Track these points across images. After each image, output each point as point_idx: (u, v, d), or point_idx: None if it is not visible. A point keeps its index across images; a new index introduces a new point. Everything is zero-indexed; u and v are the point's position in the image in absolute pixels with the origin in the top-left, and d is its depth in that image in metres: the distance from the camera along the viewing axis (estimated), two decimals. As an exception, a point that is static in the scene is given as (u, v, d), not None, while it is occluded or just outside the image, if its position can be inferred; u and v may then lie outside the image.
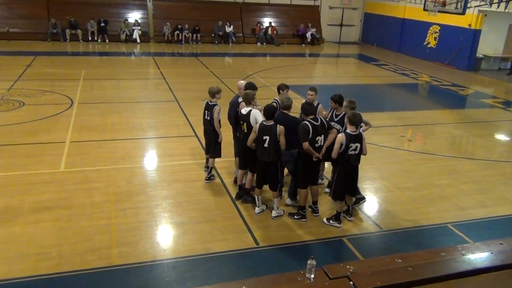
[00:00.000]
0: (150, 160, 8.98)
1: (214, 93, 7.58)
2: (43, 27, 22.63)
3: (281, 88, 7.63)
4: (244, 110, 6.90)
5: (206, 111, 7.70)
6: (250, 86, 7.36)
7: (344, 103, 7.12)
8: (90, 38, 23.02)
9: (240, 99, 7.26)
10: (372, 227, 6.82)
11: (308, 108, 6.56)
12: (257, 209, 6.94)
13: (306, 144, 6.35)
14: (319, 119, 6.55)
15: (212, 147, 7.78)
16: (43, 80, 14.58)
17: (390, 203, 7.61)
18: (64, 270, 5.42)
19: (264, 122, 6.47)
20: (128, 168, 8.36)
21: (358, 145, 6.39)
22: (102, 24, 22.99)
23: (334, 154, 6.34)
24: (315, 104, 7.42)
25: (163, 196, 7.36)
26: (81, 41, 22.82)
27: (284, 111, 6.76)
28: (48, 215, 6.57)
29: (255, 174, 7.01)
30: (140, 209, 6.91)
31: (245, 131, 6.91)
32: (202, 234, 6.31)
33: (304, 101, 7.63)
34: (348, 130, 6.40)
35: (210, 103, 7.64)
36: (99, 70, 17.09)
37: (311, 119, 6.45)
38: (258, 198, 6.89)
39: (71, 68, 16.95)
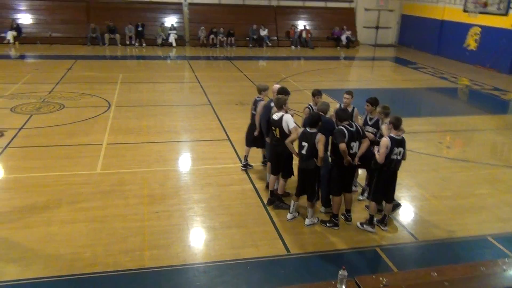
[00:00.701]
0: (184, 163, 9.07)
1: (260, 90, 7.99)
2: (83, 32, 23.35)
3: (315, 94, 7.58)
4: (276, 115, 6.86)
5: (253, 106, 8.08)
6: (283, 91, 7.32)
7: (378, 109, 7.00)
8: (128, 42, 23.58)
9: (273, 104, 7.22)
10: (407, 237, 6.63)
11: (342, 114, 6.48)
12: (289, 215, 6.87)
13: (343, 145, 6.23)
14: (354, 125, 6.45)
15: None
16: (82, 83, 15.02)
17: (426, 212, 7.38)
18: (98, 271, 5.53)
19: (307, 129, 6.41)
20: (162, 171, 8.47)
21: (402, 149, 6.30)
22: (140, 29, 23.51)
23: (381, 158, 6.22)
24: (351, 109, 7.33)
25: (196, 199, 7.41)
26: (119, 45, 23.41)
27: (320, 113, 6.76)
28: (83, 216, 6.73)
29: (287, 180, 6.95)
30: (173, 212, 6.98)
31: (278, 136, 6.86)
32: (232, 240, 6.30)
33: (338, 106, 7.55)
34: (392, 134, 6.28)
35: (257, 98, 7.96)
36: (136, 74, 17.46)
37: (346, 124, 6.36)
38: (293, 204, 6.81)
39: (109, 71, 17.42)
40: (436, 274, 4.32)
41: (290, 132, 6.64)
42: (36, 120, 11.08)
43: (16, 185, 7.68)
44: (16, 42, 22.20)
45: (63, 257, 5.73)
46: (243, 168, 8.53)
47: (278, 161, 7.06)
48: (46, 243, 6.02)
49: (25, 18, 23.33)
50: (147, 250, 5.95)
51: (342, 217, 6.92)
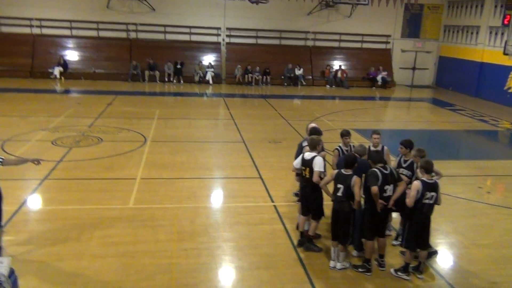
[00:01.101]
0: (214, 201, 9.06)
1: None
2: (124, 68, 24.32)
3: (343, 135, 7.55)
4: (308, 155, 6.81)
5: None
6: (315, 131, 7.29)
7: (413, 152, 6.86)
8: (166, 79, 24.34)
9: (305, 143, 7.19)
10: (445, 287, 6.28)
11: (376, 156, 6.37)
12: (331, 263, 6.60)
13: (375, 189, 6.11)
14: (388, 167, 6.31)
15: None
16: (121, 118, 15.51)
17: (465, 261, 7.01)
18: (124, 308, 5.49)
19: (343, 170, 6.32)
20: (192, 207, 8.48)
21: (434, 194, 6.10)
22: (178, 66, 24.27)
23: (410, 201, 6.04)
24: (380, 148, 7.22)
25: (225, 238, 7.34)
26: (158, 81, 24.18)
27: (356, 154, 6.71)
28: (114, 250, 6.77)
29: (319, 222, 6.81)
30: (202, 250, 6.92)
31: (307, 176, 6.79)
32: (261, 281, 6.15)
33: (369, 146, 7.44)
34: (424, 178, 6.09)
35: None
36: (173, 110, 17.89)
37: (380, 167, 6.22)
38: (333, 250, 6.59)
39: (147, 107, 17.93)
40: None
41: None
42: (75, 153, 11.43)
43: (51, 217, 7.85)
44: (62, 77, 23.33)
45: (91, 292, 5.74)
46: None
47: (308, 202, 6.96)
48: (76, 277, 6.06)
49: (71, 55, 24.57)
50: (174, 289, 5.89)
51: (375, 262, 6.66)
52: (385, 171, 6.22)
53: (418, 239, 6.27)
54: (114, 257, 6.59)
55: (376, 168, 6.24)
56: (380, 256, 6.63)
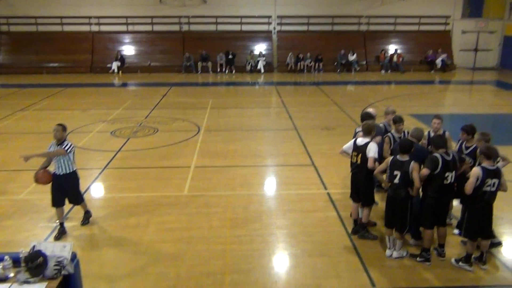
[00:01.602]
0: (267, 188, 9.06)
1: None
2: (178, 61, 24.87)
3: (396, 121, 7.23)
4: (361, 140, 6.60)
5: None
6: (368, 116, 7.02)
7: (477, 136, 6.42)
8: (218, 70, 24.63)
9: (359, 129, 6.97)
10: (510, 279, 5.91)
11: (439, 141, 6.05)
12: (388, 252, 6.39)
13: (425, 171, 5.86)
14: (451, 153, 5.99)
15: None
16: (175, 109, 15.88)
17: (534, 252, 6.56)
18: (180, 292, 5.62)
19: (398, 157, 6.10)
20: (245, 195, 8.53)
21: (496, 181, 5.70)
22: (230, 56, 24.44)
23: (469, 188, 5.70)
24: (441, 133, 6.87)
25: (278, 225, 7.31)
26: (210, 72, 24.52)
27: (413, 139, 6.43)
28: (170, 236, 6.94)
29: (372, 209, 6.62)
30: (255, 237, 6.94)
31: (358, 162, 6.60)
32: (314, 269, 6.08)
33: (427, 133, 7.11)
34: (484, 165, 5.73)
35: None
36: (225, 99, 18.08)
37: (442, 152, 5.92)
38: (389, 239, 6.39)
39: (200, 97, 18.24)
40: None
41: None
42: (132, 143, 11.85)
43: (111, 204, 8.19)
44: (120, 72, 24.25)
45: (149, 277, 5.92)
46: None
47: (358, 189, 6.77)
48: (135, 262, 6.27)
49: (128, 50, 25.47)
50: (228, 274, 5.95)
51: (435, 252, 6.38)
52: (447, 158, 5.91)
53: (478, 228, 5.91)
54: (170, 242, 6.77)
55: (438, 153, 5.94)
56: (440, 245, 6.33)
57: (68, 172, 6.80)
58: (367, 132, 6.63)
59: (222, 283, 5.77)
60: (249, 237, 6.92)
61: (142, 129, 13.23)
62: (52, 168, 6.90)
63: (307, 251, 6.54)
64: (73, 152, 6.84)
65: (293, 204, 8.08)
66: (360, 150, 6.56)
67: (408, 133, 7.08)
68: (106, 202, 8.39)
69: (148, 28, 25.78)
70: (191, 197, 8.40)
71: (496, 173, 5.72)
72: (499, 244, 6.56)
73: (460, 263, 6.11)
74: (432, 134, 6.97)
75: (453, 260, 6.20)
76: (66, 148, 6.64)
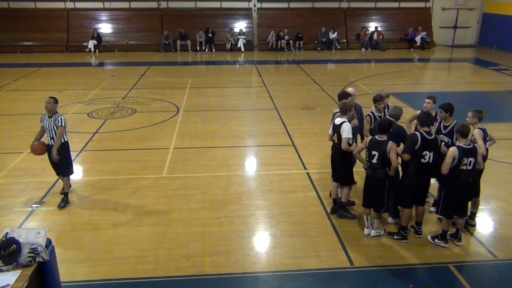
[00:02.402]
0: (247, 169, 9.03)
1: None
2: (157, 39, 24.34)
3: (376, 100, 7.20)
4: (338, 120, 6.59)
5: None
6: (345, 95, 6.98)
7: (470, 113, 6.37)
8: (198, 48, 24.22)
9: (336, 109, 6.95)
10: (484, 255, 6.05)
11: (425, 119, 6.09)
12: (366, 230, 6.46)
13: (406, 156, 5.93)
14: (434, 134, 6.02)
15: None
16: (154, 89, 15.61)
17: (508, 228, 6.71)
18: (160, 275, 5.61)
19: (377, 137, 6.11)
20: (225, 176, 8.49)
21: (472, 159, 5.78)
22: (210, 35, 24.03)
23: (445, 169, 5.77)
24: (434, 113, 6.88)
25: (257, 206, 7.32)
26: (190, 51, 24.11)
27: (392, 119, 6.42)
28: (148, 219, 6.89)
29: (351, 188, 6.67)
30: (234, 218, 6.94)
31: (335, 141, 6.60)
32: (293, 249, 6.12)
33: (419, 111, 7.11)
34: (460, 144, 5.79)
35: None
36: (205, 79, 17.83)
37: (424, 131, 5.96)
38: (367, 218, 6.45)
39: (179, 77, 17.96)
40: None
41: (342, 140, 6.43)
42: (110, 124, 11.63)
43: (88, 187, 8.06)
44: (97, 51, 23.65)
45: (127, 260, 5.88)
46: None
47: (335, 168, 6.80)
48: (113, 245, 6.21)
49: (105, 28, 24.80)
50: (207, 256, 5.95)
51: (412, 230, 6.48)
52: (428, 137, 5.95)
53: (454, 207, 6.01)
54: (149, 225, 6.71)
55: (419, 132, 5.97)
56: (417, 223, 6.43)
57: (60, 142, 7.05)
58: (342, 111, 6.62)
59: (202, 265, 5.76)
60: (228, 218, 6.91)
61: (119, 110, 12.98)
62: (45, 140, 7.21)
63: (287, 231, 6.57)
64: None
65: (273, 185, 8.08)
66: (336, 129, 6.56)
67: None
68: (83, 185, 8.23)
69: (125, 5, 25.09)
70: (170, 179, 8.33)
71: (472, 152, 5.79)
72: (473, 226, 6.67)
73: (436, 240, 6.23)
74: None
75: (429, 238, 6.32)
76: (62, 124, 6.99)
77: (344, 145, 6.40)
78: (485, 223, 6.87)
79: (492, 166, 8.61)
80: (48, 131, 7.04)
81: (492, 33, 25.59)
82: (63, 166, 7.26)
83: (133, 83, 16.43)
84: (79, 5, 24.83)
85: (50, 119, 6.98)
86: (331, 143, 6.86)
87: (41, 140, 7.22)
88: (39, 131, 7.24)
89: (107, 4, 24.93)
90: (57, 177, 7.65)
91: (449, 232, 6.24)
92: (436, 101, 6.99)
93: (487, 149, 6.24)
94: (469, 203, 6.44)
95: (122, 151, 9.79)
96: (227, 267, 5.74)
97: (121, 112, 12.70)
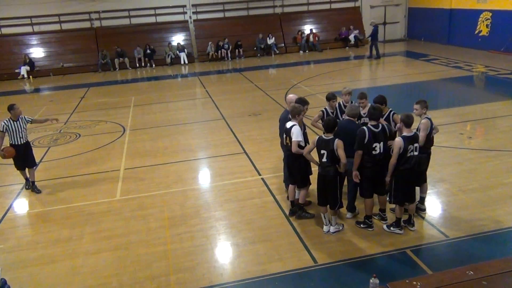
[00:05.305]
0: (202, 182, 9.01)
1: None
2: (93, 59, 23.72)
3: (329, 98, 7.44)
4: (288, 124, 6.74)
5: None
6: (300, 101, 7.14)
7: (417, 105, 6.66)
8: (137, 65, 23.83)
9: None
10: (437, 236, 6.40)
11: (373, 113, 6.33)
12: (325, 228, 6.63)
13: (358, 152, 6.19)
14: (380, 125, 6.30)
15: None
16: (96, 110, 15.20)
17: (454, 208, 7.14)
18: (125, 300, 5.47)
19: (323, 136, 6.29)
20: (180, 191, 8.42)
21: (416, 145, 6.18)
22: (148, 51, 23.69)
23: (393, 159, 6.08)
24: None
25: (217, 217, 7.32)
26: (129, 68, 23.68)
27: (351, 119, 6.64)
28: (107, 245, 6.70)
29: (308, 189, 6.83)
30: (195, 232, 6.90)
31: (288, 144, 6.75)
32: (257, 255, 6.18)
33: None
34: (404, 133, 6.13)
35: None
36: (148, 95, 17.56)
37: (371, 125, 6.24)
38: (324, 216, 6.62)
39: (121, 96, 17.58)
40: (472, 272, 4.12)
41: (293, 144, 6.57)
42: (54, 151, 11.20)
43: (38, 220, 7.72)
44: (30, 76, 22.66)
45: (89, 289, 5.69)
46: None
47: (289, 170, 6.96)
48: (73, 277, 5.99)
49: (37, 52, 23.84)
50: (172, 275, 5.88)
51: (377, 217, 6.77)
52: (375, 129, 6.22)
53: (404, 193, 6.32)
54: (108, 251, 6.53)
55: (367, 126, 6.24)
56: (381, 210, 6.75)
57: (26, 140, 8.79)
58: (293, 114, 6.78)
59: (168, 284, 5.69)
60: (189, 233, 6.86)
61: (62, 136, 12.53)
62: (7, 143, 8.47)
63: (248, 238, 6.62)
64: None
65: (230, 194, 8.11)
66: (287, 132, 6.70)
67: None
68: (32, 218, 7.88)
69: (56, 27, 24.25)
70: (125, 201, 8.14)
71: (415, 138, 6.16)
72: (423, 210, 7.02)
73: (392, 228, 6.51)
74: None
75: (385, 227, 6.60)
76: (29, 120, 8.94)
77: (294, 148, 6.54)
78: (434, 206, 7.26)
79: (434, 151, 9.07)
80: (16, 133, 8.52)
81: (419, 26, 27.07)
82: (31, 161, 8.87)
83: (73, 107, 15.90)
84: (7, 30, 23.74)
85: (16, 123, 8.60)
86: (283, 146, 7.01)
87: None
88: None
89: (37, 28, 24.00)
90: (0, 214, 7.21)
91: (403, 219, 6.54)
92: (372, 96, 7.28)
93: (432, 138, 6.64)
94: (418, 188, 6.79)
95: (70, 178, 9.45)
96: (194, 283, 5.69)
97: (64, 138, 12.26)
